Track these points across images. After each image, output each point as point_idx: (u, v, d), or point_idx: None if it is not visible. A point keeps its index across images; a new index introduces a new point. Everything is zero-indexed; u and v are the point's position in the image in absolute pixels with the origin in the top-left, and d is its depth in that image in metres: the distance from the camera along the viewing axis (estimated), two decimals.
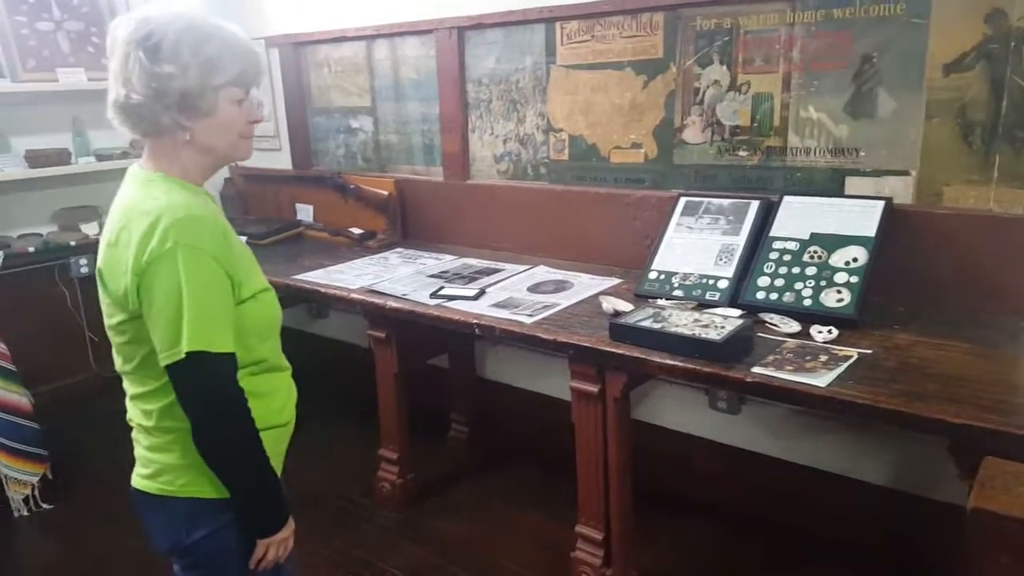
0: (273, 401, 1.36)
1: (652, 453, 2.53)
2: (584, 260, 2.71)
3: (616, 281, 2.47)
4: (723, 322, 1.88)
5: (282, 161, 3.77)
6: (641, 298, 2.25)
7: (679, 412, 2.68)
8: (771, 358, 1.77)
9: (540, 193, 2.85)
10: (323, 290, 2.62)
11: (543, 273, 2.66)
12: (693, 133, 2.45)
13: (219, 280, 1.22)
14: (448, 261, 2.87)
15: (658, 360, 1.83)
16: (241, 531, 1.32)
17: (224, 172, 3.97)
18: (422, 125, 3.15)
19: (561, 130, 2.77)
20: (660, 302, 2.17)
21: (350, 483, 2.88)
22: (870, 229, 2.04)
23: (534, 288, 2.49)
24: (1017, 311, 1.94)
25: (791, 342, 1.88)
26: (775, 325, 1.98)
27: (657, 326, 1.90)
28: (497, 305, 2.32)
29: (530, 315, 2.20)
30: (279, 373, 1.41)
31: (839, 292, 1.99)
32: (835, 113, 2.17)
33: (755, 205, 2.29)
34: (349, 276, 2.72)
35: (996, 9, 1.87)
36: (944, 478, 1.99)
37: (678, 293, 2.22)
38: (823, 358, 1.75)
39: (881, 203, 2.06)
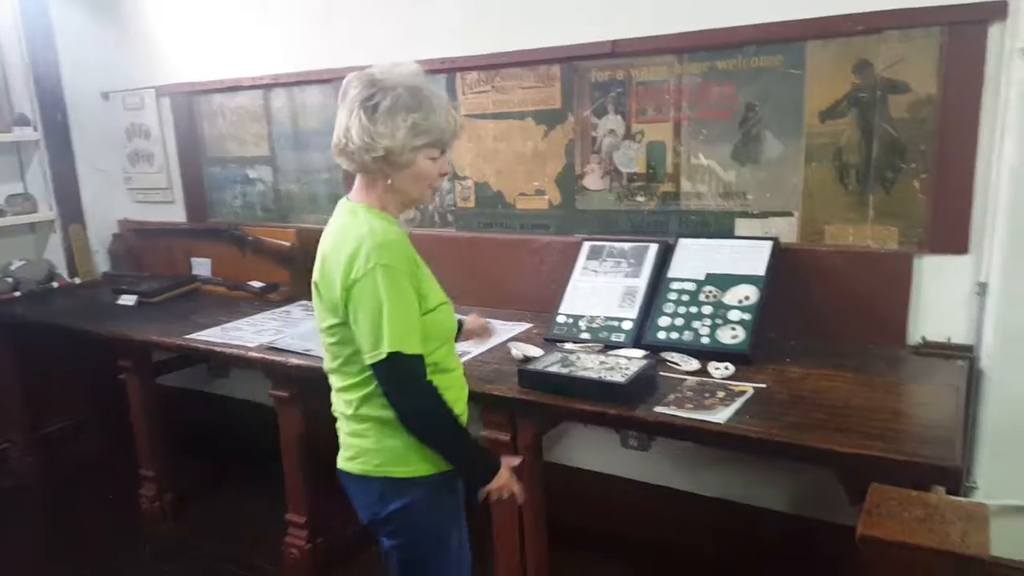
0: (448, 395, 1.55)
1: (568, 494, 2.52)
2: (495, 306, 2.71)
3: (527, 326, 2.48)
4: (627, 363, 1.91)
5: (175, 214, 3.63)
6: (551, 342, 2.27)
7: (592, 452, 2.70)
8: (672, 396, 1.81)
9: (448, 240, 2.85)
10: (218, 349, 2.50)
11: None
12: (593, 180, 2.52)
13: (410, 294, 1.46)
14: None
15: (566, 405, 1.84)
16: (430, 505, 1.56)
17: (113, 227, 3.78)
18: (325, 174, 3.11)
19: (467, 177, 2.79)
20: (568, 346, 2.19)
21: (256, 550, 2.72)
22: (760, 268, 2.14)
23: None
24: (897, 340, 2.07)
25: (691, 380, 1.92)
26: (676, 364, 2.02)
27: (565, 371, 1.91)
28: None
29: None
30: (453, 372, 1.63)
31: (733, 329, 2.07)
32: (723, 159, 2.28)
33: (653, 248, 2.36)
34: (247, 333, 2.61)
35: (863, 60, 2.03)
36: (842, 502, 2.07)
37: (585, 336, 2.25)
38: (720, 394, 1.81)
39: (769, 243, 2.17)
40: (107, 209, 3.77)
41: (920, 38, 1.93)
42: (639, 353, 2.09)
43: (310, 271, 1.56)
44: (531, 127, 2.60)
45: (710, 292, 2.17)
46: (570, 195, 2.57)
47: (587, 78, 2.45)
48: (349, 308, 1.45)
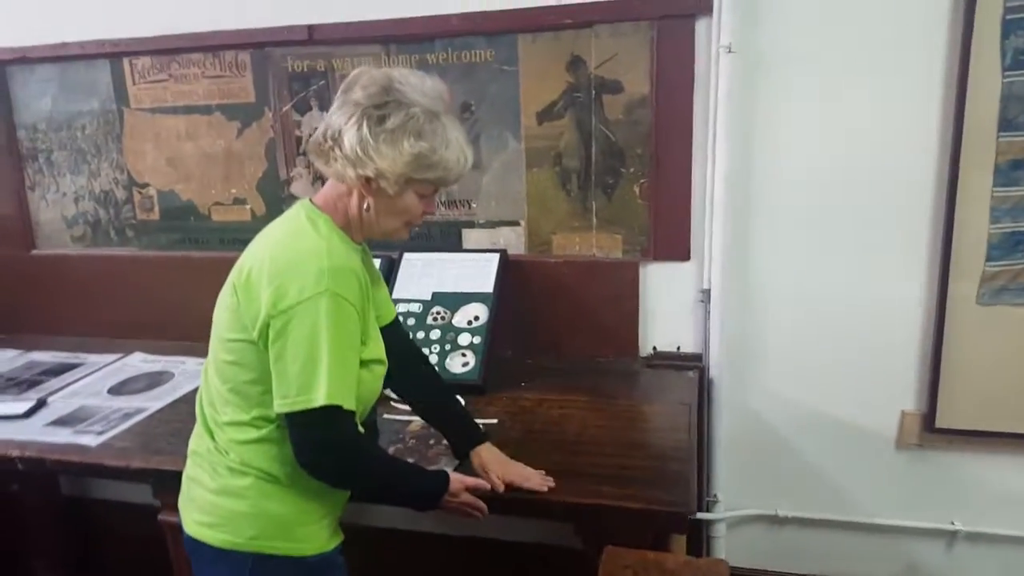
0: None
1: None
2: (190, 339, 2.23)
3: None
4: None
5: None
6: None
7: None
8: (392, 449, 1.55)
9: (128, 262, 2.35)
10: None
11: (137, 363, 2.16)
12: (303, 186, 2.16)
13: (356, 338, 1.21)
14: (6, 361, 2.20)
15: None
16: None
17: None
18: None
19: (147, 185, 2.29)
20: None
21: None
22: (488, 284, 1.94)
23: (119, 388, 1.99)
24: (629, 351, 1.99)
25: (416, 423, 1.67)
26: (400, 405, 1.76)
27: None
28: (57, 422, 1.79)
29: (100, 432, 1.71)
30: None
31: (464, 355, 1.85)
32: None
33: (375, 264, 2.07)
34: None
35: (576, 57, 1.88)
36: None
37: None
38: (446, 442, 1.56)
39: (496, 256, 1.98)
40: None
41: (630, 33, 1.81)
42: None
43: None
44: (221, 123, 2.17)
45: (439, 313, 1.94)
46: (276, 204, 2.18)
47: (283, 68, 2.08)
48: (272, 333, 1.15)
